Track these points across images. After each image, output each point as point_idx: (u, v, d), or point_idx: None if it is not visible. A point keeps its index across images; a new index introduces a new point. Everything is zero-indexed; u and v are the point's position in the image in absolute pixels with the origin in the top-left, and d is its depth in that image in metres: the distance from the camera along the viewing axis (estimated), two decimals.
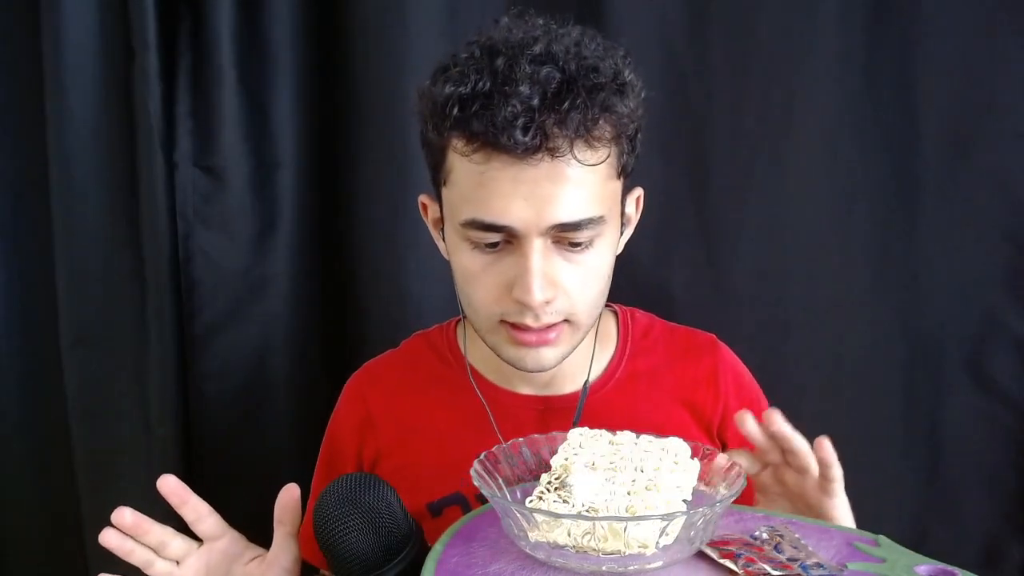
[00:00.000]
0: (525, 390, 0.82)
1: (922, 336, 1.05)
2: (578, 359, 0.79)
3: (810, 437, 1.12)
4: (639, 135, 0.72)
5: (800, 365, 1.07)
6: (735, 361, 0.87)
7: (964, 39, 0.99)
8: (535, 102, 0.62)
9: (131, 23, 1.06)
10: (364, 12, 1.07)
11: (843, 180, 1.04)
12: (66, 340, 1.15)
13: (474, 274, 0.70)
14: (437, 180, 0.72)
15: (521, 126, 0.62)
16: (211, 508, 0.70)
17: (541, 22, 0.69)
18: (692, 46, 1.05)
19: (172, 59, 1.09)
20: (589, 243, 0.69)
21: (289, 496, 0.69)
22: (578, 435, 0.64)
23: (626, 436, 0.63)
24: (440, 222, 0.76)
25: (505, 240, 0.68)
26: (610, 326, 0.86)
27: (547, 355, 0.72)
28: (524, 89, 0.62)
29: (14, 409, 1.21)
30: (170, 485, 0.69)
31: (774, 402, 1.08)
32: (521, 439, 0.66)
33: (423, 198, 0.80)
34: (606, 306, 0.87)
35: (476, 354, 0.83)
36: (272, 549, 0.70)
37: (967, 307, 1.04)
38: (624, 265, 1.08)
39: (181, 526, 0.71)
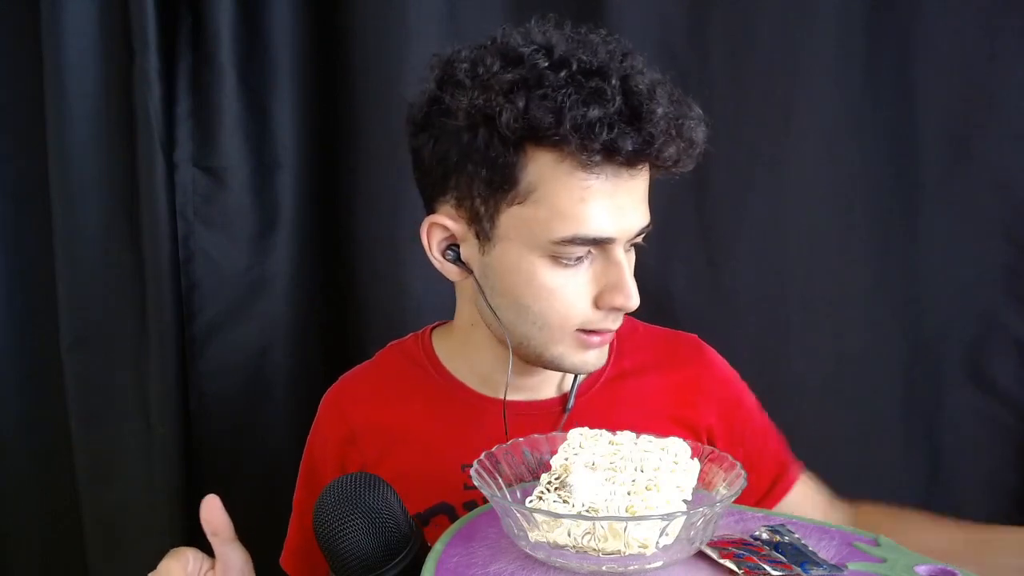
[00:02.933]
0: (511, 396, 0.80)
1: (922, 336, 1.05)
2: None
3: (808, 437, 1.12)
4: None
5: (800, 365, 1.07)
6: (720, 364, 0.86)
7: (964, 39, 0.99)
8: (667, 121, 0.66)
9: (131, 23, 1.06)
10: (364, 12, 1.08)
11: (843, 180, 1.04)
12: (66, 340, 1.15)
13: (554, 291, 0.70)
14: (496, 198, 0.69)
15: (661, 144, 0.66)
16: None
17: (584, 30, 0.70)
18: (692, 46, 1.05)
19: (172, 59, 1.09)
20: (635, 245, 0.74)
21: (210, 507, 0.66)
22: (578, 435, 0.64)
23: (626, 436, 0.63)
24: (448, 240, 0.74)
25: (588, 252, 0.70)
26: None
27: (604, 351, 0.76)
28: (659, 109, 0.65)
29: (14, 409, 1.21)
30: None
31: (774, 402, 1.09)
32: (521, 439, 0.66)
33: (436, 219, 0.73)
34: None
35: (458, 364, 0.82)
36: (217, 559, 0.67)
37: (967, 307, 1.04)
38: None
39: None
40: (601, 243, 0.69)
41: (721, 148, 1.05)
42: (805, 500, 0.85)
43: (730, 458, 0.61)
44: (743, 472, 0.59)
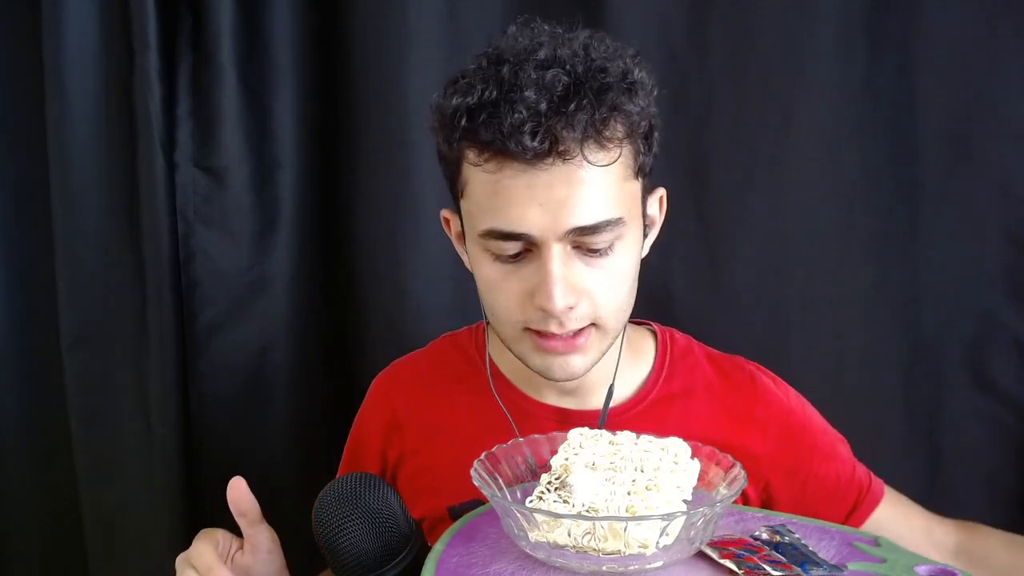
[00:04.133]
0: (551, 400, 0.81)
1: (922, 336, 1.05)
2: (607, 372, 0.78)
3: None
4: (655, 134, 0.72)
5: (800, 365, 1.07)
6: (776, 393, 0.83)
7: (964, 39, 0.99)
8: (542, 106, 0.63)
9: (131, 23, 1.06)
10: (364, 12, 1.08)
11: (843, 180, 1.04)
12: (66, 340, 1.14)
13: (496, 284, 0.70)
14: (455, 193, 0.73)
15: (529, 131, 0.62)
16: None
17: (548, 28, 0.69)
18: (692, 46, 1.05)
19: (172, 59, 1.09)
20: (610, 246, 0.68)
21: (237, 489, 0.67)
22: (578, 435, 0.64)
23: (626, 436, 0.63)
24: (462, 235, 0.76)
25: (524, 248, 0.68)
26: (647, 344, 0.84)
27: (575, 363, 0.71)
28: (530, 94, 0.63)
29: (14, 409, 1.20)
30: None
31: None
32: (521, 439, 0.66)
33: (445, 213, 0.79)
34: (644, 324, 0.87)
35: (505, 360, 0.82)
36: (246, 540, 0.69)
37: (967, 307, 1.04)
38: None
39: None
40: (522, 239, 0.66)
41: (721, 148, 1.06)
42: (893, 521, 0.81)
43: (730, 458, 0.61)
44: (743, 472, 0.59)
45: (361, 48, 1.09)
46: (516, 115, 0.62)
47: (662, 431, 0.75)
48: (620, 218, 0.68)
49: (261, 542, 0.69)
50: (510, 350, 0.75)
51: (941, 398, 1.06)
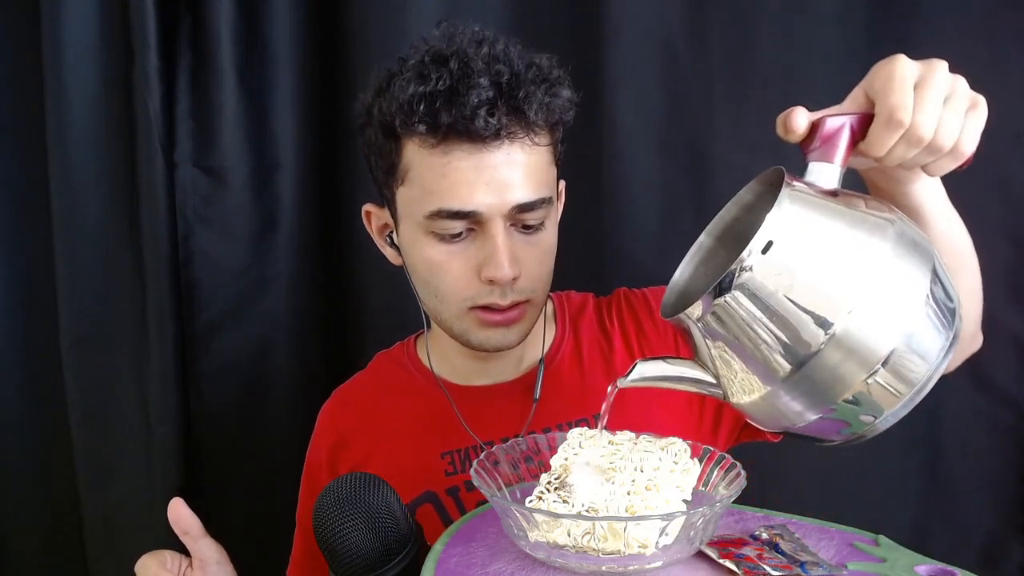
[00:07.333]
0: (481, 382, 0.85)
1: None
2: (525, 344, 0.82)
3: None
4: (568, 125, 0.77)
5: None
6: (650, 290, 0.89)
7: (964, 39, 0.99)
8: (494, 92, 0.69)
9: (131, 23, 1.06)
10: (364, 12, 1.08)
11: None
12: (66, 340, 1.15)
13: (440, 264, 0.74)
14: (390, 183, 0.76)
15: (485, 113, 0.68)
16: None
17: (472, 30, 0.74)
18: (692, 46, 1.05)
19: (172, 59, 1.09)
20: (540, 224, 0.75)
21: (176, 509, 0.72)
22: (578, 435, 0.64)
23: (626, 436, 0.63)
24: (387, 228, 0.81)
25: (468, 228, 0.73)
26: (550, 310, 0.90)
27: (512, 333, 0.77)
28: (484, 81, 0.69)
29: (14, 409, 1.20)
30: None
31: None
32: (521, 439, 0.66)
33: (367, 207, 0.83)
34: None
35: (436, 359, 0.87)
36: (193, 557, 0.73)
37: None
38: (624, 264, 1.08)
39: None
40: (470, 217, 0.71)
41: (721, 148, 1.06)
42: None
43: (729, 458, 0.61)
44: (743, 472, 0.59)
45: (361, 48, 1.09)
46: (473, 98, 0.68)
47: (581, 377, 0.84)
48: (550, 197, 0.75)
49: (208, 556, 0.72)
50: (451, 330, 0.79)
51: (941, 398, 1.06)
